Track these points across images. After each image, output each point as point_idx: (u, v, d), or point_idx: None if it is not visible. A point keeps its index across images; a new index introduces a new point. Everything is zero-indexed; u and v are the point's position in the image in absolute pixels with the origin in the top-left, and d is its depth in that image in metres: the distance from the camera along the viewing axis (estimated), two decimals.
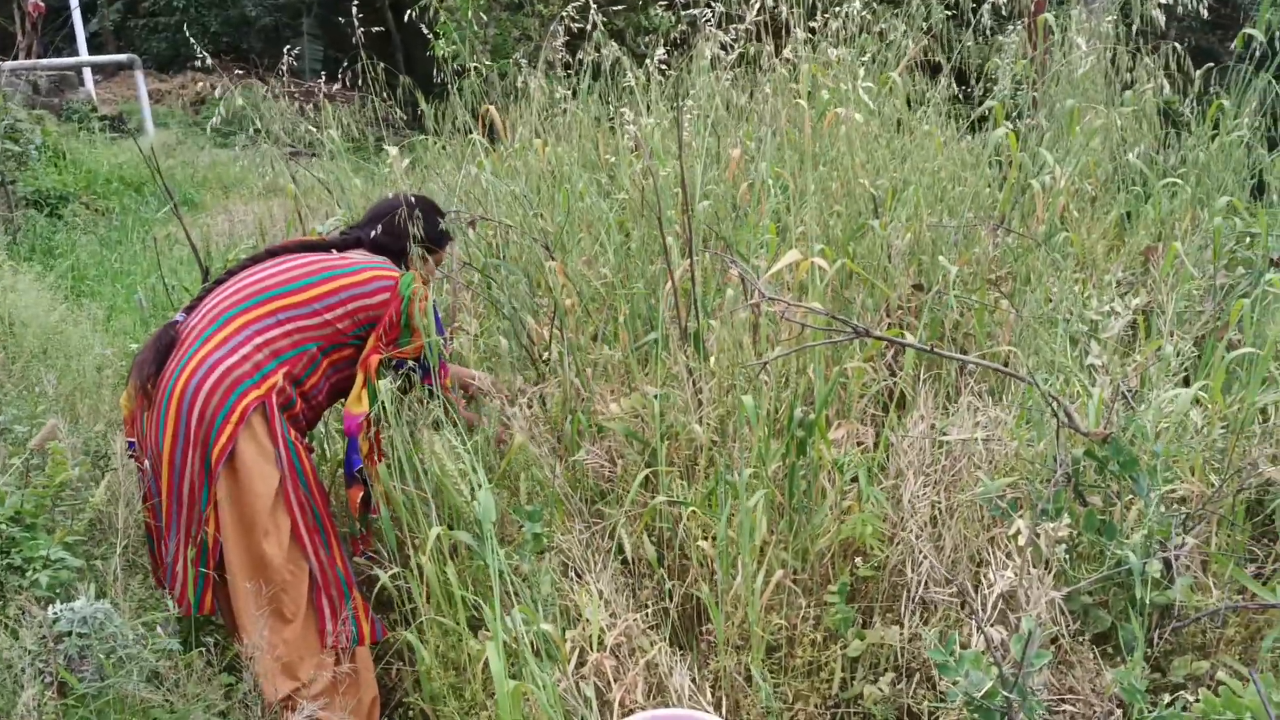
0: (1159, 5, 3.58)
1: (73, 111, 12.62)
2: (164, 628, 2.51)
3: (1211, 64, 4.18)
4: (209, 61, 4.01)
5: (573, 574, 2.61)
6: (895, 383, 2.95)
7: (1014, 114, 4.03)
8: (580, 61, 4.08)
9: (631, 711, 2.25)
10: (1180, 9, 3.66)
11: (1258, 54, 3.80)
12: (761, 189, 3.37)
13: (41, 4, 12.86)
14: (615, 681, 2.31)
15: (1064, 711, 2.20)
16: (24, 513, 2.70)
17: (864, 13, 3.93)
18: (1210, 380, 2.68)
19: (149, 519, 2.79)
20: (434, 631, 2.66)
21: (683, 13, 4.00)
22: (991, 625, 2.08)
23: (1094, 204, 3.92)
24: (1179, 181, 3.82)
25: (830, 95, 3.71)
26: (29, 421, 3.47)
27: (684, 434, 2.78)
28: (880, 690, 2.38)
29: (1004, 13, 3.91)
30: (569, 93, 4.27)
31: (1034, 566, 2.22)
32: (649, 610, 2.57)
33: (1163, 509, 2.30)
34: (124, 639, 2.36)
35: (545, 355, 3.24)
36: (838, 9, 3.89)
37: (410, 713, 2.81)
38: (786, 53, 3.80)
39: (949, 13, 3.99)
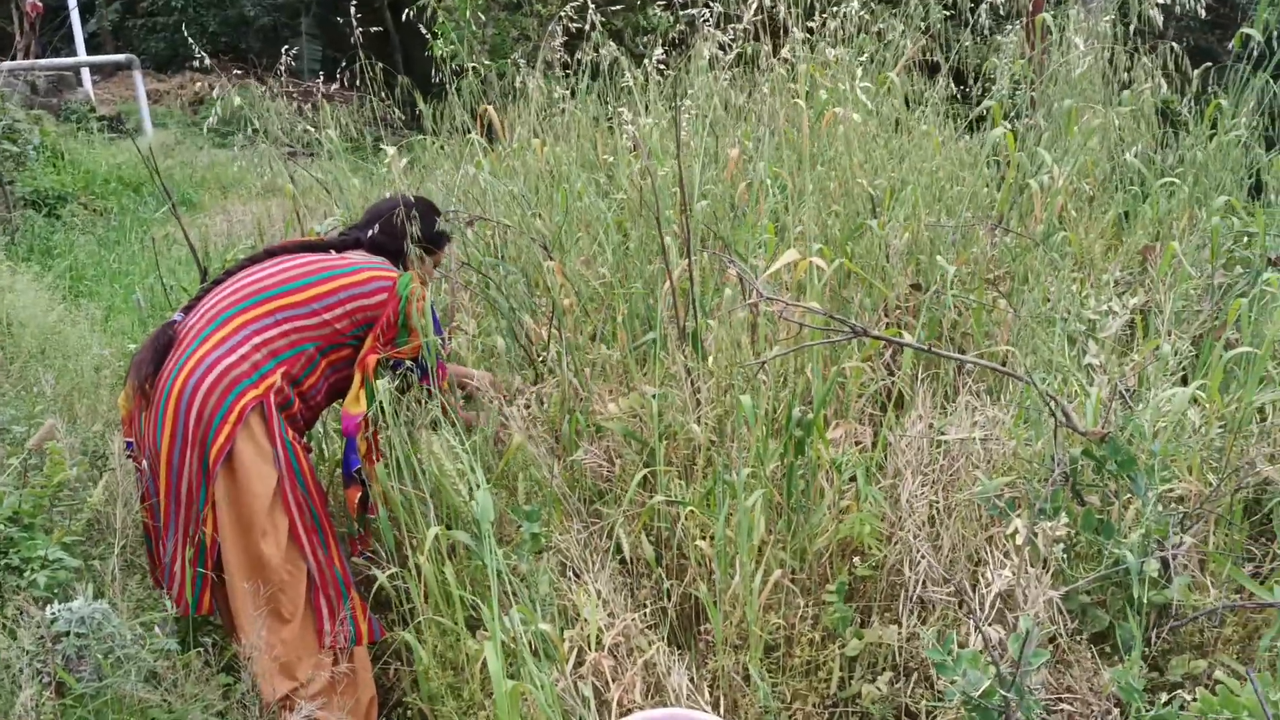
0: (1157, 5, 3.58)
1: (71, 112, 12.62)
2: (162, 628, 2.51)
3: (1209, 63, 4.18)
4: (207, 61, 4.01)
5: (571, 574, 2.61)
6: (893, 382, 2.95)
7: (1012, 114, 4.04)
8: (578, 61, 4.08)
9: (630, 711, 2.25)
10: (1178, 8, 3.66)
11: (1256, 53, 3.80)
12: (760, 189, 3.37)
13: (39, 4, 12.86)
14: (613, 681, 2.31)
15: (1061, 710, 2.20)
16: (22, 513, 2.70)
17: (862, 13, 3.93)
18: (1208, 379, 2.69)
19: (147, 519, 2.79)
20: (432, 631, 2.66)
21: (681, 13, 4.00)
22: (989, 624, 2.08)
23: (1092, 204, 3.92)
24: (1177, 181, 3.82)
25: (828, 95, 3.71)
26: (27, 421, 3.47)
27: (682, 434, 2.78)
28: (878, 689, 2.38)
29: (1002, 12, 3.91)
30: (567, 93, 4.27)
31: (1032, 566, 2.22)
32: (647, 610, 2.57)
33: (1160, 508, 2.30)
34: (122, 639, 2.35)
35: (543, 355, 3.24)
36: (836, 9, 3.90)
37: (408, 712, 2.81)
38: (784, 52, 3.80)
39: (947, 13, 3.99)
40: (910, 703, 2.39)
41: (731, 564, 2.46)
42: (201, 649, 2.57)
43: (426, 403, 2.88)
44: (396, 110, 4.30)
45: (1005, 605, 2.29)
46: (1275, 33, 3.82)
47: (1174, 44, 3.91)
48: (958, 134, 4.09)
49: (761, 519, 2.46)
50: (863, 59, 3.96)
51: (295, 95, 4.28)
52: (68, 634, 2.31)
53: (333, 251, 2.92)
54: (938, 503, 2.55)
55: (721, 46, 3.74)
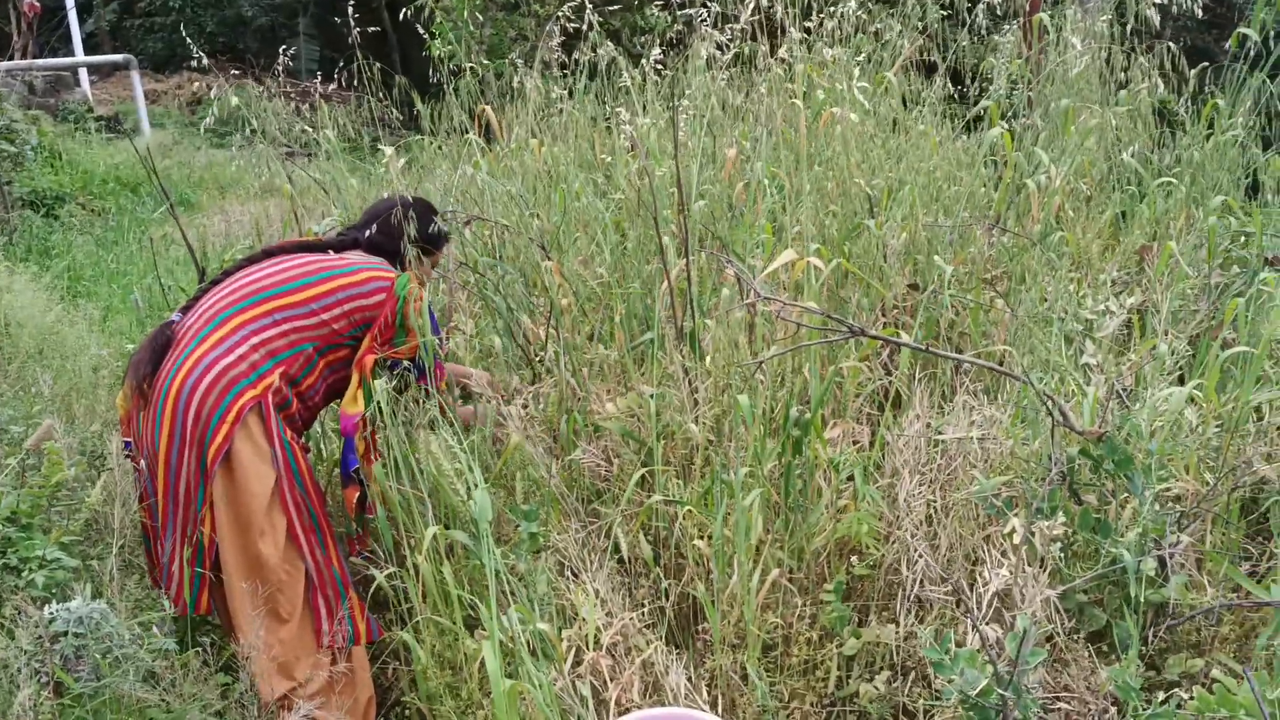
0: (1154, 5, 3.58)
1: (69, 112, 12.61)
2: (160, 627, 2.51)
3: (1206, 63, 4.19)
4: (205, 62, 4.01)
5: (569, 573, 2.61)
6: (891, 382, 2.95)
7: (1009, 114, 4.04)
8: (576, 61, 4.09)
9: (628, 710, 2.25)
10: (1175, 8, 3.66)
11: (1252, 53, 3.81)
12: (757, 189, 3.37)
13: (37, 4, 12.85)
14: (611, 680, 2.31)
15: (1059, 709, 2.20)
16: (20, 513, 2.70)
17: (859, 12, 3.93)
18: (1205, 379, 2.69)
19: (145, 519, 2.79)
20: (430, 631, 2.66)
21: (678, 13, 4.01)
22: (987, 623, 2.09)
23: (1089, 203, 3.93)
24: (1174, 181, 3.83)
25: (825, 95, 3.71)
26: (25, 422, 3.47)
27: (680, 433, 2.78)
28: (876, 688, 2.38)
29: (999, 12, 3.91)
30: (565, 93, 4.27)
31: (1029, 565, 2.22)
32: (645, 609, 2.58)
33: (1157, 507, 2.31)
34: (120, 639, 2.35)
35: (541, 355, 3.24)
36: (833, 9, 3.90)
37: (406, 712, 2.81)
38: (782, 52, 3.81)
39: (944, 12, 4.00)
40: (908, 702, 2.39)
41: (729, 563, 2.46)
42: (200, 649, 2.57)
43: (424, 403, 2.88)
44: (394, 110, 4.30)
45: (1003, 604, 2.30)
46: (1272, 32, 3.83)
47: (1171, 44, 3.92)
48: (955, 134, 4.10)
49: (759, 518, 2.47)
50: (860, 59, 3.96)
51: (293, 95, 4.28)
52: (66, 634, 2.31)
53: (331, 252, 2.93)
54: (935, 502, 2.55)
55: (719, 46, 3.74)
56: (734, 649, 2.45)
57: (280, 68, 4.10)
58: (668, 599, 2.61)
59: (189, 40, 4.55)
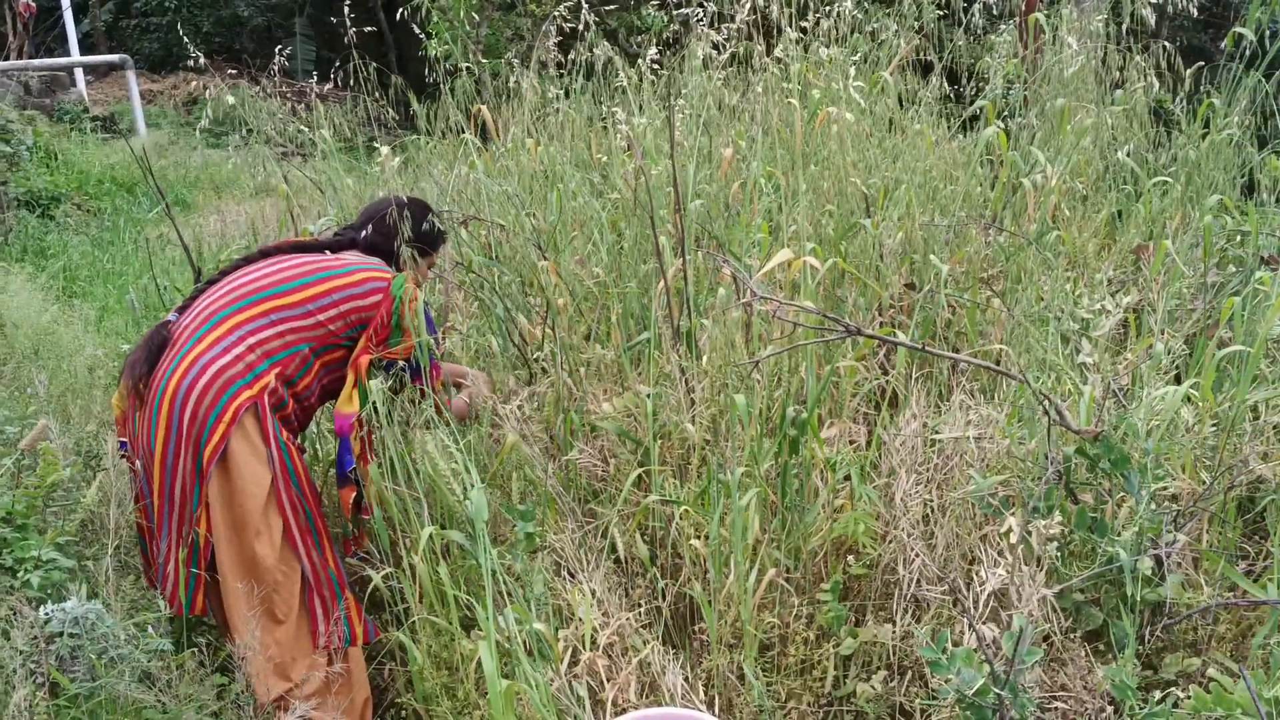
0: (1149, 4, 3.59)
1: (64, 112, 12.60)
2: (156, 628, 2.51)
3: (1202, 63, 4.19)
4: (202, 61, 4.01)
5: (565, 573, 2.61)
6: (887, 381, 2.95)
7: (1005, 113, 4.04)
8: (573, 61, 4.08)
9: (624, 710, 2.25)
10: (1171, 8, 3.67)
11: (1248, 52, 3.81)
12: (753, 188, 3.37)
13: (33, 4, 12.85)
14: (608, 680, 2.31)
15: (1056, 709, 2.20)
16: (15, 513, 2.69)
17: (855, 12, 3.93)
18: (1201, 378, 2.69)
19: (140, 519, 2.78)
20: (426, 631, 2.66)
21: (675, 12, 4.00)
22: (983, 623, 2.09)
23: (1085, 203, 3.93)
24: (1170, 180, 3.83)
25: (822, 95, 3.71)
26: (20, 422, 3.46)
27: (676, 433, 2.78)
28: (873, 688, 2.38)
29: (995, 12, 3.92)
30: (561, 92, 4.27)
31: (1025, 564, 2.22)
32: (642, 609, 2.57)
33: (1154, 506, 2.31)
34: (116, 639, 2.35)
35: (538, 355, 3.24)
36: (829, 8, 3.90)
37: (403, 713, 2.80)
38: (778, 52, 3.81)
39: (940, 12, 4.00)
40: (905, 701, 2.40)
41: (726, 563, 2.46)
42: (195, 649, 2.57)
43: (420, 402, 2.87)
44: (390, 110, 4.29)
45: (999, 603, 2.30)
46: (1267, 32, 3.83)
47: (1166, 43, 3.92)
48: (951, 133, 4.10)
49: (756, 518, 2.46)
50: (856, 58, 3.96)
51: (289, 95, 4.27)
52: (61, 634, 2.30)
53: (327, 252, 2.92)
54: (932, 501, 2.55)
55: (715, 46, 3.74)
56: (731, 649, 2.45)
57: (276, 68, 4.09)
58: (664, 599, 2.60)
59: (186, 40, 4.54)
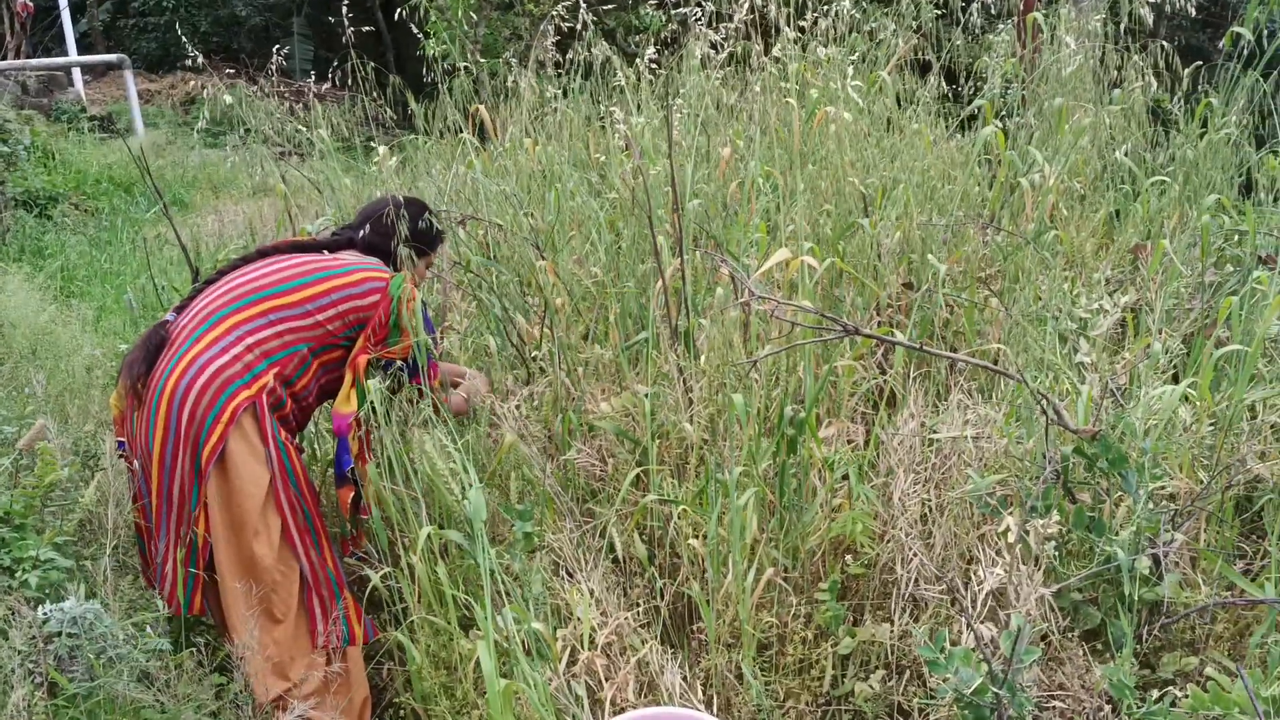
0: (1147, 4, 3.59)
1: (62, 112, 12.59)
2: (154, 628, 2.51)
3: (1200, 62, 4.19)
4: (200, 61, 4.00)
5: (564, 573, 2.61)
6: (885, 381, 2.95)
7: (1003, 112, 4.04)
8: (571, 61, 4.08)
9: (623, 710, 2.25)
10: (1169, 7, 3.67)
11: (1246, 52, 3.81)
12: (751, 188, 3.37)
13: (30, 4, 12.83)
14: (606, 680, 2.31)
15: (1054, 708, 2.20)
16: (13, 513, 2.69)
17: (853, 11, 3.93)
18: (1199, 377, 2.69)
19: (139, 519, 2.78)
20: (425, 631, 2.66)
21: (673, 12, 4.00)
22: (981, 622, 2.09)
23: (1083, 202, 3.93)
24: (1167, 179, 3.83)
25: (820, 94, 3.71)
26: (18, 422, 3.46)
27: (675, 433, 2.78)
28: (871, 687, 2.38)
29: (993, 11, 3.92)
30: (559, 92, 4.27)
31: (1023, 563, 2.23)
32: (640, 609, 2.57)
33: (1152, 506, 2.31)
34: (114, 639, 2.35)
35: (536, 354, 3.24)
36: (827, 8, 3.90)
37: (401, 712, 2.80)
38: (776, 51, 3.81)
39: (938, 11, 4.00)
40: (903, 700, 2.40)
41: (724, 562, 2.46)
42: (194, 649, 2.57)
43: (418, 402, 2.87)
44: (388, 110, 4.29)
45: (997, 603, 2.30)
46: (1265, 31, 3.84)
47: (1165, 43, 3.92)
48: (949, 133, 4.10)
49: (754, 517, 2.47)
50: (854, 58, 3.96)
51: (287, 95, 4.27)
52: (60, 634, 2.30)
53: (325, 252, 2.92)
54: (930, 501, 2.55)
55: (713, 45, 3.74)
56: (729, 648, 2.45)
57: (274, 67, 4.09)
58: (663, 598, 2.61)
59: (183, 40, 4.54)
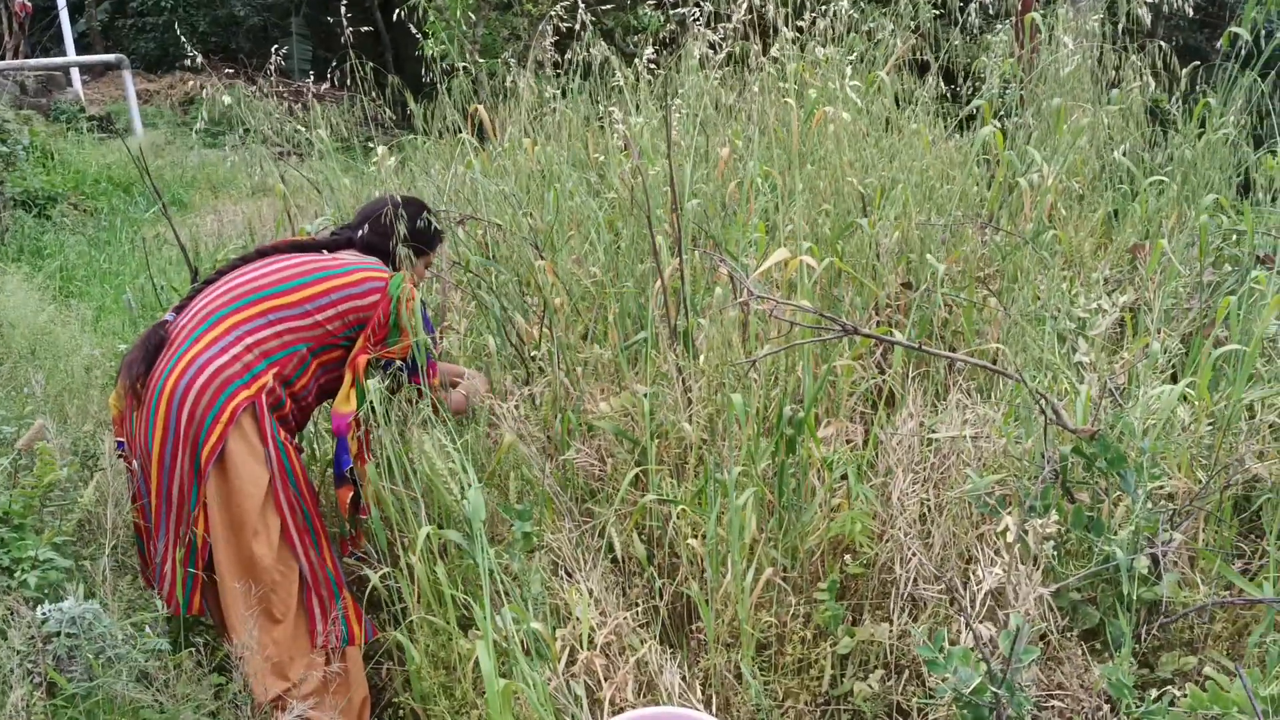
0: (1145, 4, 3.59)
1: (60, 112, 12.59)
2: (153, 628, 2.51)
3: (1198, 62, 4.19)
4: (198, 61, 4.00)
5: (563, 573, 2.61)
6: (884, 381, 2.96)
7: (1001, 112, 4.05)
8: (569, 61, 4.08)
9: (622, 709, 2.25)
10: (1167, 7, 3.67)
11: (1244, 52, 3.82)
12: (750, 187, 3.37)
13: (28, 4, 12.83)
14: (605, 680, 2.31)
15: (1052, 707, 2.21)
16: (12, 513, 2.69)
17: (851, 11, 3.93)
18: (1197, 377, 2.69)
19: (138, 519, 2.78)
20: (424, 631, 2.66)
21: (671, 12, 4.01)
22: (980, 622, 2.09)
23: (1081, 202, 3.93)
24: (1166, 179, 3.83)
25: (818, 94, 3.71)
26: (17, 422, 3.46)
27: (674, 432, 2.78)
28: (870, 687, 2.38)
29: (991, 11, 3.92)
30: (558, 92, 4.27)
31: (1022, 563, 2.23)
32: (639, 608, 2.58)
33: (1150, 505, 2.31)
34: (113, 639, 2.35)
35: (535, 354, 3.24)
36: (825, 8, 3.90)
37: (400, 712, 2.80)
38: (774, 51, 3.81)
39: (937, 12, 4.00)
40: (902, 700, 2.40)
41: (723, 562, 2.46)
42: (193, 649, 2.57)
43: (417, 402, 2.87)
44: (387, 110, 4.29)
45: (996, 602, 2.30)
46: (1263, 31, 3.84)
47: (1162, 43, 3.92)
48: (948, 133, 4.10)
49: (753, 517, 2.47)
50: (852, 58, 3.97)
51: (286, 95, 4.27)
52: (59, 634, 2.30)
53: (324, 251, 2.92)
54: (929, 500, 2.55)
55: (712, 45, 3.74)
56: (728, 648, 2.45)
57: (273, 67, 4.09)
58: (662, 598, 2.61)
59: (182, 40, 4.54)
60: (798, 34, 3.88)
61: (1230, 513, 2.54)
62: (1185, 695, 1.90)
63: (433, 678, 2.60)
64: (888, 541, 2.53)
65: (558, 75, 4.29)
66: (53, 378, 3.99)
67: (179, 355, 2.63)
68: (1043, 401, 2.37)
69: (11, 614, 2.30)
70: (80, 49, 15.58)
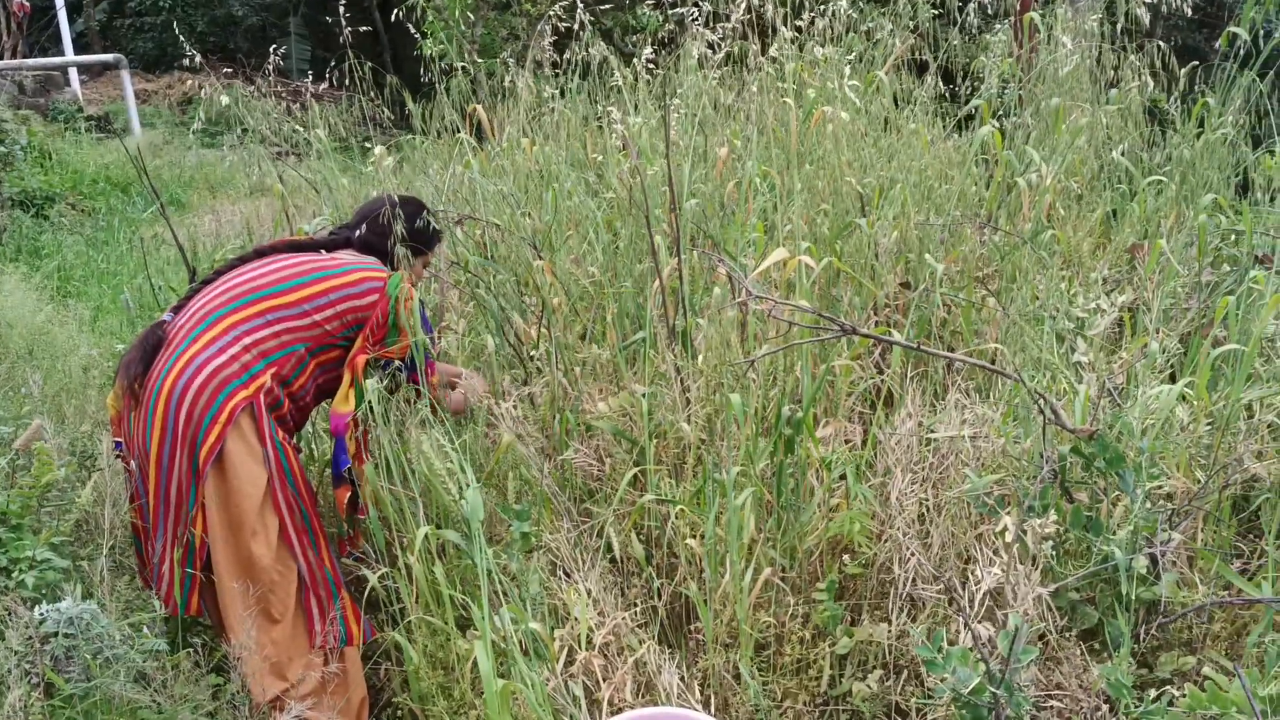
0: (1144, 4, 3.59)
1: (59, 111, 12.58)
2: (151, 628, 2.50)
3: (1197, 62, 4.19)
4: (197, 61, 4.00)
5: (561, 573, 2.61)
6: (883, 380, 2.95)
7: (1000, 112, 4.05)
8: (568, 61, 4.08)
9: (620, 710, 2.25)
10: (1165, 7, 3.67)
11: (1242, 52, 3.82)
12: (749, 187, 3.37)
13: (26, 3, 12.83)
14: (604, 680, 2.31)
15: (1051, 707, 2.20)
16: (10, 513, 2.69)
17: (850, 11, 3.93)
18: (1196, 377, 2.69)
19: (136, 519, 2.78)
20: (422, 631, 2.65)
21: (670, 12, 4.00)
22: (979, 622, 2.09)
23: (1080, 202, 3.94)
24: (1164, 179, 3.83)
25: (817, 94, 3.71)
26: (14, 422, 3.46)
27: (672, 432, 2.78)
28: (868, 687, 2.38)
29: (990, 11, 3.92)
30: (556, 92, 4.27)
31: (1021, 563, 2.23)
32: (637, 609, 2.57)
33: (1149, 505, 2.31)
34: (111, 639, 2.35)
35: (533, 354, 3.24)
36: (824, 7, 3.90)
37: (399, 712, 2.80)
38: (773, 51, 3.81)
39: (935, 11, 4.00)
40: (900, 700, 2.40)
41: (722, 562, 2.46)
42: (191, 649, 2.56)
43: (416, 402, 2.87)
44: (385, 110, 4.29)
45: (995, 602, 2.30)
46: (1261, 31, 3.84)
47: (1161, 42, 3.92)
48: (946, 133, 4.10)
49: (751, 517, 2.47)
50: (851, 58, 3.97)
51: (284, 95, 4.27)
52: (56, 634, 2.30)
53: (323, 251, 2.92)
54: (927, 500, 2.55)
55: (710, 45, 3.74)
56: (726, 648, 2.45)
57: (271, 67, 4.09)
58: (660, 598, 2.61)
59: (180, 39, 4.53)
60: (796, 34, 3.88)
61: (1229, 512, 2.54)
62: (1184, 695, 1.90)
63: (431, 678, 2.60)
64: (886, 541, 2.53)
65: (556, 75, 4.28)
66: (50, 378, 3.99)
67: (177, 355, 2.63)
68: (1041, 401, 2.37)
69: (9, 614, 2.29)
70: (78, 49, 15.57)
